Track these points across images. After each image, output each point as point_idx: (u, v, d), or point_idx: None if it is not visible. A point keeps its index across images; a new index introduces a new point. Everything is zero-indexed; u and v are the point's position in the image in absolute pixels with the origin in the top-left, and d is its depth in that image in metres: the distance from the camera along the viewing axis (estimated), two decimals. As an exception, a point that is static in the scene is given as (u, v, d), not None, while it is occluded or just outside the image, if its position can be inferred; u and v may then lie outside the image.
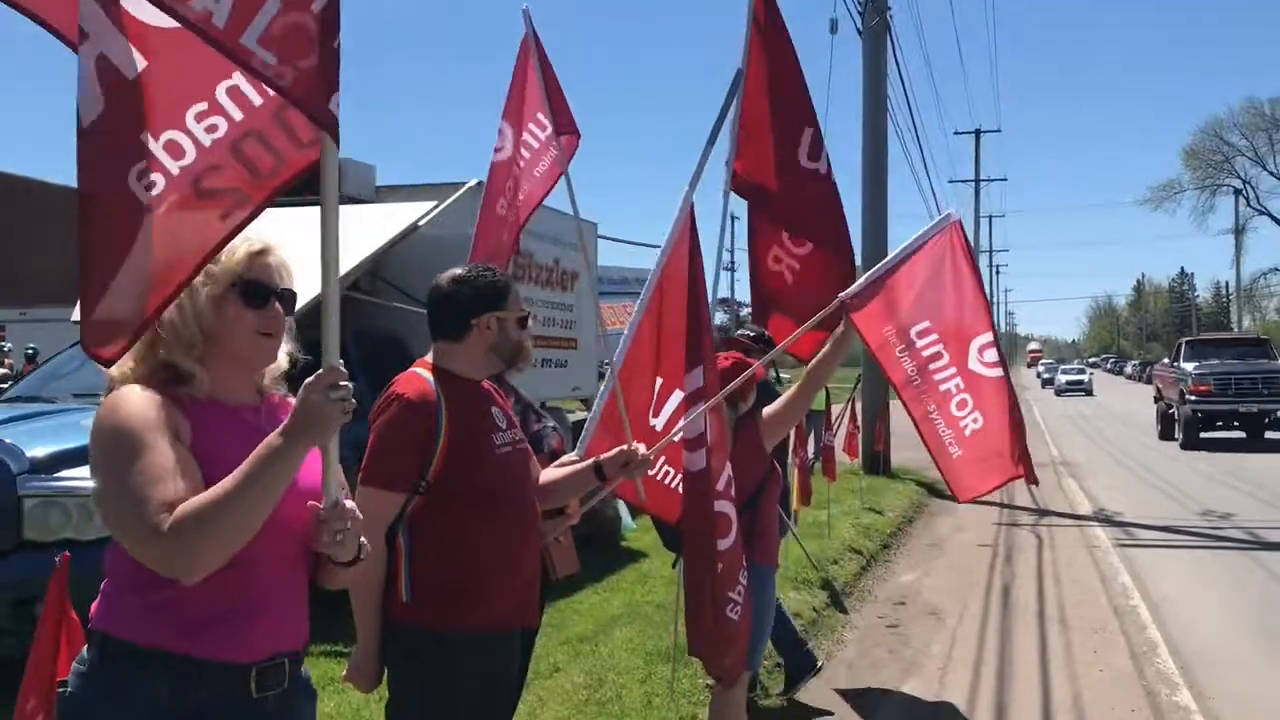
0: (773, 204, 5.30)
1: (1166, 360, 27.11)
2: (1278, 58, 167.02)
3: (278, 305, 2.10)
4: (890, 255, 4.32)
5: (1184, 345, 24.88)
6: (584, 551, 7.69)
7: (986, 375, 4.16)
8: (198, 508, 1.83)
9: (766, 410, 4.52)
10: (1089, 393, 54.59)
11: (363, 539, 2.10)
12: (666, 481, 4.30)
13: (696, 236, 4.18)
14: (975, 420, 4.15)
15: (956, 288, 4.20)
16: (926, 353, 4.17)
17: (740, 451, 4.26)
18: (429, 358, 3.01)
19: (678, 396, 4.07)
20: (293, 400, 2.20)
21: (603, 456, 3.22)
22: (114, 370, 2.01)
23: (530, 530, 2.98)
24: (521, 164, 4.66)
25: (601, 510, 9.48)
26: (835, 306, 4.17)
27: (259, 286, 2.07)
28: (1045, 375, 73.94)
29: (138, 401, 1.94)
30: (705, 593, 3.72)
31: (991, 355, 4.22)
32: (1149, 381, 60.33)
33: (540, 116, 4.54)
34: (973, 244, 55.20)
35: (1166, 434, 23.68)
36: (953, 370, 4.15)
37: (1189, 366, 22.48)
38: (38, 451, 5.40)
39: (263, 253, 2.10)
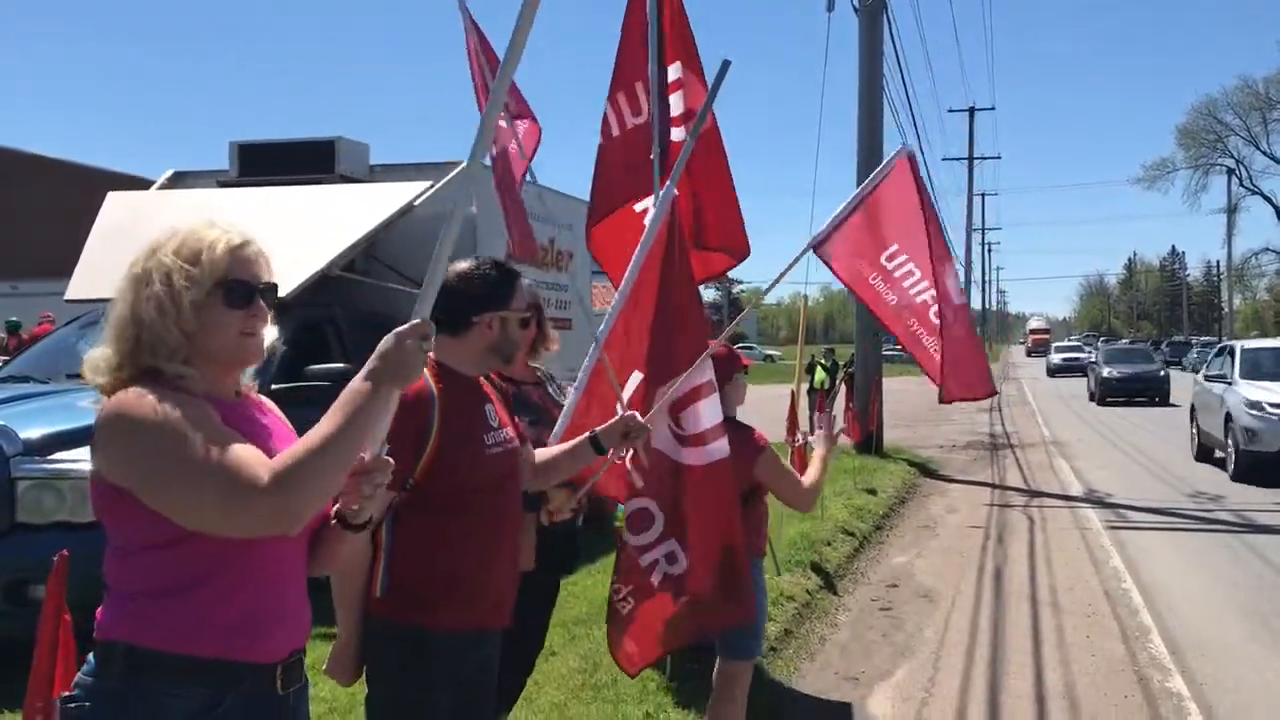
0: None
1: None
2: (1272, 36, 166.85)
3: (261, 302, 2.03)
4: (849, 197, 4.41)
5: None
6: (577, 534, 7.67)
7: (955, 301, 4.44)
8: (298, 457, 1.80)
9: None
10: None
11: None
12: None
13: (678, 232, 4.12)
14: (953, 333, 4.37)
15: (917, 217, 4.38)
16: (899, 273, 4.34)
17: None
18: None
19: (637, 377, 4.04)
20: (262, 398, 2.20)
21: (599, 428, 3.19)
22: (99, 379, 1.94)
23: (512, 531, 2.95)
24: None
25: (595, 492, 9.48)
26: (803, 251, 4.25)
27: (242, 286, 2.00)
28: (1111, 374, 30.78)
29: (151, 394, 1.86)
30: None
31: (955, 284, 4.51)
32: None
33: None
34: (969, 219, 55.35)
35: None
36: (926, 284, 4.31)
37: None
38: (32, 433, 5.38)
39: (243, 246, 2.03)
